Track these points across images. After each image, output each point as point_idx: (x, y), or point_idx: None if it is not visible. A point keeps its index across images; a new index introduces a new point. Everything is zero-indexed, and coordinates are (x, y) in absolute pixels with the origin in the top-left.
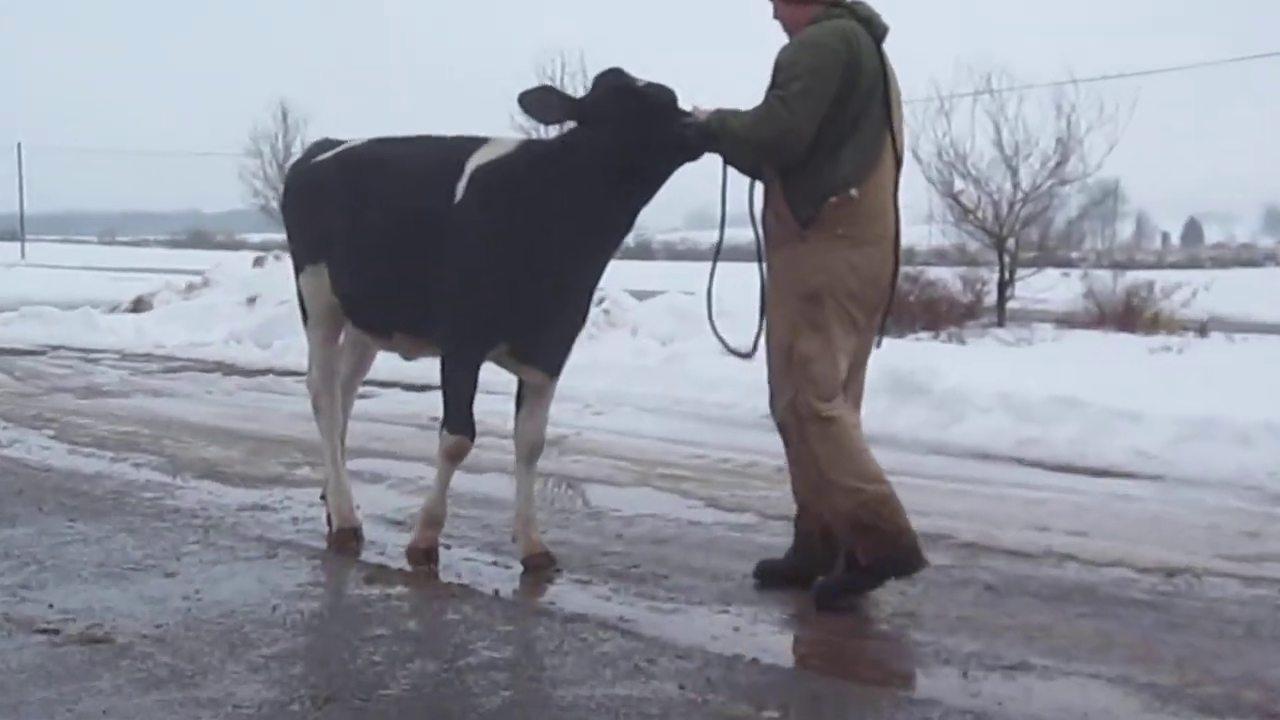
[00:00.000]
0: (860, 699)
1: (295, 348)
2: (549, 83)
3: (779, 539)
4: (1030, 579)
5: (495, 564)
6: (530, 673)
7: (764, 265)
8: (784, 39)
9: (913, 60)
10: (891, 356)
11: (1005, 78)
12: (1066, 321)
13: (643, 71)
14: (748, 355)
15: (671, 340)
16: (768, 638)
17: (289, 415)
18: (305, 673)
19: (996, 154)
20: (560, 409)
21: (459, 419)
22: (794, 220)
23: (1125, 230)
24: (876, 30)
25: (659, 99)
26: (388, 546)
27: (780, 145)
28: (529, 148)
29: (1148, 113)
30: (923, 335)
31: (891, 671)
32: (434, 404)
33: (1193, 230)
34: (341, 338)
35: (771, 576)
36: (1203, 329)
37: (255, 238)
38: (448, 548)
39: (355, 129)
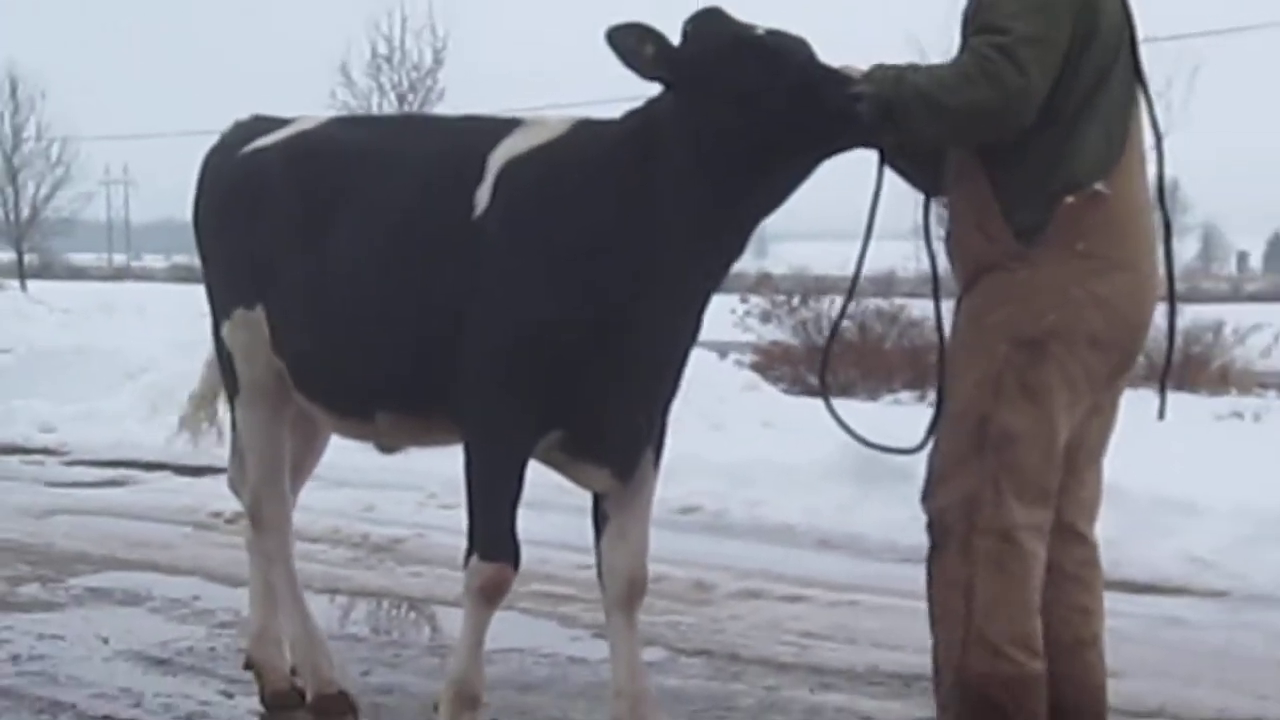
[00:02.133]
0: None
1: (22, 414)
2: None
3: (694, 682)
4: None
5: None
6: None
7: (956, 311)
8: None
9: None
10: (858, 427)
11: None
12: None
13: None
14: (912, 451)
15: None
16: None
17: (11, 510)
18: None
19: None
20: (395, 501)
21: (497, 539)
22: (1009, 232)
23: (1188, 249)
24: None
25: (800, 57)
26: (144, 696)
27: (1004, 117)
28: (585, 133)
29: (1216, 87)
30: (903, 396)
31: None
32: (213, 492)
33: (1278, 251)
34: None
35: None
36: None
37: None
38: (229, 696)
39: (113, 107)
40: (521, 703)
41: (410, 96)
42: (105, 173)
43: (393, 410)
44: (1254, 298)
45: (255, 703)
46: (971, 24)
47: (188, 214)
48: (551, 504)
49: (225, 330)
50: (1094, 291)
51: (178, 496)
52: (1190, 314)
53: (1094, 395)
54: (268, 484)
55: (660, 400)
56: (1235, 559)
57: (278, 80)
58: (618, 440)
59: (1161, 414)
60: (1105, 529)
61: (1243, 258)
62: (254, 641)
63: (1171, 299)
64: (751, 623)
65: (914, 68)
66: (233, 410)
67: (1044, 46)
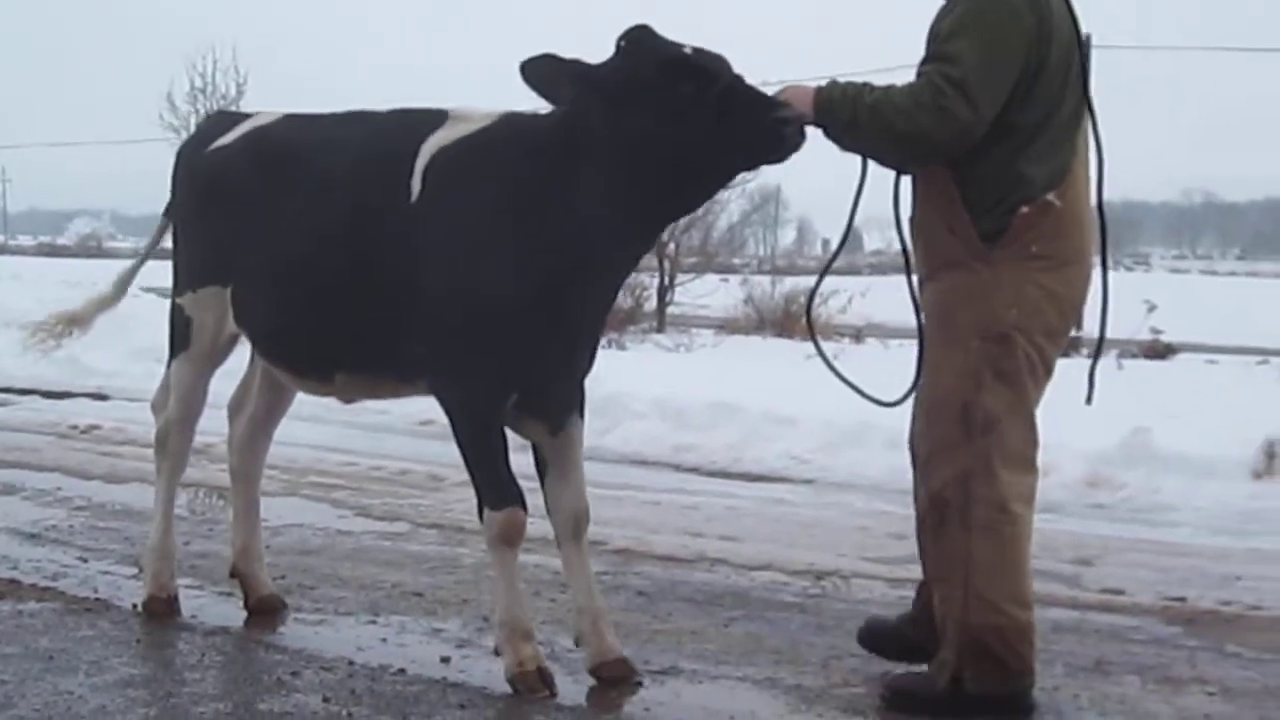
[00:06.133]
0: (507, 709)
1: None
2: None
3: (430, 547)
4: (682, 584)
5: (135, 578)
6: (169, 688)
7: (917, 292)
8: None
9: None
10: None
11: None
12: (726, 327)
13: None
14: (893, 404)
15: None
16: (415, 648)
17: None
18: None
19: None
20: (208, 417)
21: (501, 488)
22: (974, 235)
23: (787, 237)
24: None
25: (726, 75)
26: (20, 561)
27: (949, 146)
28: (512, 124)
29: None
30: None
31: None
32: (71, 410)
33: (853, 238)
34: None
35: (876, 642)
36: (858, 335)
37: None
38: (84, 561)
39: None
40: (303, 563)
41: None
42: None
43: (349, 371)
44: (835, 272)
45: (105, 565)
46: (927, 48)
47: (51, 204)
48: (324, 418)
49: (187, 300)
50: (1047, 286)
51: (43, 414)
52: (789, 283)
53: (1050, 373)
54: (179, 422)
55: (587, 366)
56: (821, 457)
57: (119, 103)
58: (555, 401)
59: (1090, 396)
60: (728, 436)
61: (826, 243)
62: (238, 556)
63: (1105, 287)
64: (471, 504)
65: (870, 87)
66: (170, 361)
67: (995, 81)
